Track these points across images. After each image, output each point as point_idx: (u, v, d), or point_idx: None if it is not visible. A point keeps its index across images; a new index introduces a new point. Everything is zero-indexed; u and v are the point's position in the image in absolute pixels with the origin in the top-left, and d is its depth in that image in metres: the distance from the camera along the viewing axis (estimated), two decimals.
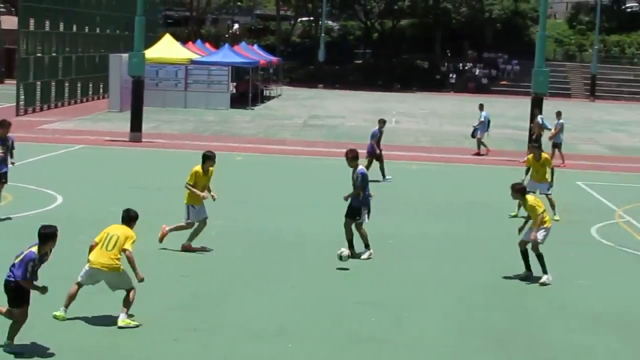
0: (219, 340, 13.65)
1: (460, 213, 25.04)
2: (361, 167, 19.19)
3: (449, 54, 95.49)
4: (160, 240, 18.86)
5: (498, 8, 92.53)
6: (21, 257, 12.49)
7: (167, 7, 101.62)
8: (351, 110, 60.87)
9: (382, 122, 30.92)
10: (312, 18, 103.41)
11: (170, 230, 18.96)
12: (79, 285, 14.07)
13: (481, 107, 39.54)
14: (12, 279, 12.45)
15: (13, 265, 12.50)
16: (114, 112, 50.59)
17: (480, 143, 38.60)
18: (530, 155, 24.81)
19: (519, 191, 17.77)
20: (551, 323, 15.43)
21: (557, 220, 22.89)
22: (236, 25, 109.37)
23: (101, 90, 60.01)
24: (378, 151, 30.12)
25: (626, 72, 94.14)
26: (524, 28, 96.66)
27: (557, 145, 35.95)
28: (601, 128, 56.62)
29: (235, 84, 63.66)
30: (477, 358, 13.55)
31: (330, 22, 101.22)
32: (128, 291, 14.10)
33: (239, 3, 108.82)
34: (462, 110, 63.06)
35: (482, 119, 38.65)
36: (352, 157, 19.00)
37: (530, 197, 17.96)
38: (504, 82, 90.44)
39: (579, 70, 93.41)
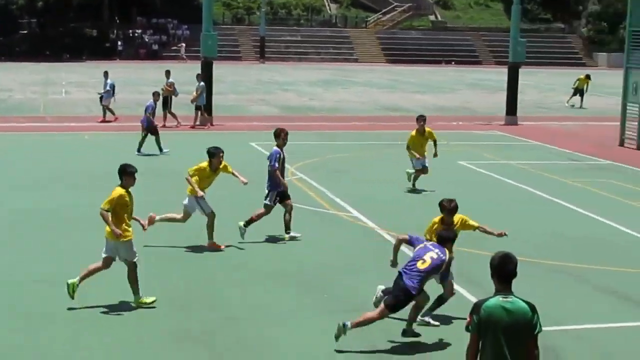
0: None
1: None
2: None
3: (118, 21, 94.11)
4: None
5: None
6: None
7: None
8: (18, 83, 58.73)
9: (156, 95, 30.76)
10: None
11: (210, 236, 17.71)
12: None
13: (106, 74, 39.60)
14: None
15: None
16: None
17: (106, 109, 38.50)
18: (414, 132, 24.17)
19: (454, 210, 14.10)
20: (231, 284, 15.55)
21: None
22: None
23: None
24: (155, 124, 29.95)
25: (293, 33, 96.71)
26: None
27: (199, 108, 36.78)
28: (271, 89, 57.83)
29: None
30: (158, 322, 13.40)
31: None
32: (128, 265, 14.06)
33: None
34: (133, 78, 62.50)
35: (108, 88, 38.57)
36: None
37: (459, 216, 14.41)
38: (175, 48, 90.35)
39: (248, 33, 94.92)
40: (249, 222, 18.33)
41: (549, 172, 27.64)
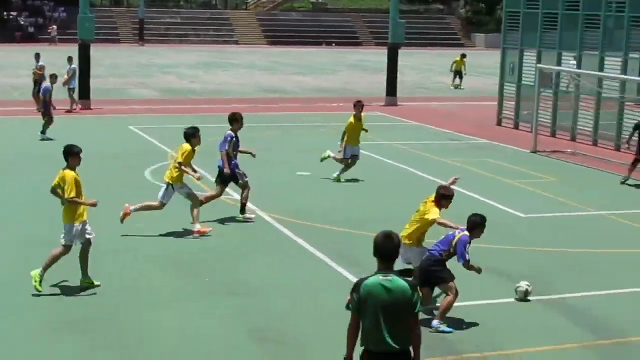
0: None
1: (9, 168, 24.16)
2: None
3: None
4: (122, 220, 17.41)
5: None
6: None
7: None
8: None
9: (53, 77, 30.13)
10: None
11: (136, 210, 17.58)
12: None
13: None
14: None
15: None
16: None
17: None
18: (352, 118, 23.29)
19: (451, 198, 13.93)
20: (111, 270, 15.29)
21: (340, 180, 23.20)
22: None
23: None
24: (53, 108, 29.14)
25: (173, 15, 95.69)
26: None
27: (71, 90, 35.94)
28: (152, 72, 57.12)
29: None
30: (37, 312, 13.11)
31: None
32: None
33: None
34: (9, 61, 61.04)
35: None
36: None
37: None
38: (50, 30, 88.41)
39: (127, 15, 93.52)
40: (242, 209, 18.96)
41: (429, 152, 27.97)
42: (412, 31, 77.94)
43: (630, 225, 19.47)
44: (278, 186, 22.56)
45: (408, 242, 13.65)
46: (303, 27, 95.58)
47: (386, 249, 8.43)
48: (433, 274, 13.03)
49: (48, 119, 28.71)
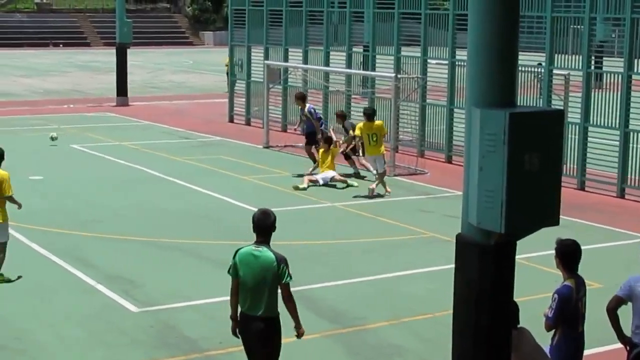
0: None
1: None
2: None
3: None
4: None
5: None
6: None
7: None
8: None
9: None
10: None
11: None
12: None
13: None
14: None
15: None
16: None
17: None
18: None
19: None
20: None
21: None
22: None
23: None
24: None
25: None
26: None
27: None
28: None
29: None
30: None
31: None
32: None
33: None
34: None
35: None
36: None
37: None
38: None
39: None
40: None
41: (161, 151, 27.83)
42: (140, 30, 77.18)
43: (358, 214, 20.11)
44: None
45: (381, 151, 21.49)
46: (28, 28, 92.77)
47: (262, 224, 9.43)
48: None
49: None
